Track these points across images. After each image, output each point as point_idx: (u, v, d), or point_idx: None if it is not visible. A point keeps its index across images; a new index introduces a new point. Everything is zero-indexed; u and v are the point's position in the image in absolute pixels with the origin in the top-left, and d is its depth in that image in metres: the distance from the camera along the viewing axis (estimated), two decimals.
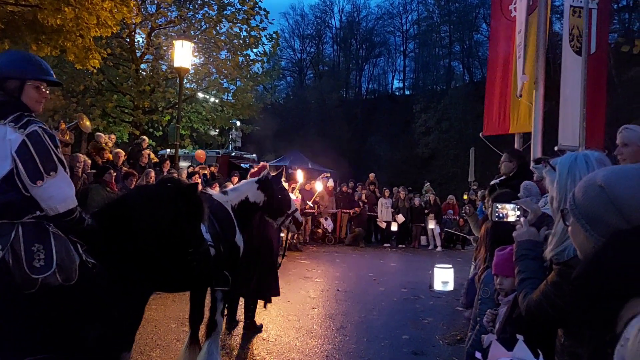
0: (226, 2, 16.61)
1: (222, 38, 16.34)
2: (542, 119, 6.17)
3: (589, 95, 6.15)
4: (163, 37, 16.11)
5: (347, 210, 14.06)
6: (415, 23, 43.03)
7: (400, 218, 14.02)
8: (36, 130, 2.27)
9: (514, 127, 7.80)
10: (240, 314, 5.34)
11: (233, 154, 19.59)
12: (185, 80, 12.93)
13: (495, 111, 8.29)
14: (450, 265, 7.54)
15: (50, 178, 2.26)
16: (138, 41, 16.50)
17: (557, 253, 1.62)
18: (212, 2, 16.40)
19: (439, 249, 13.63)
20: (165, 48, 15.87)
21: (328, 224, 13.69)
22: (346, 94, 43.51)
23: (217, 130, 21.46)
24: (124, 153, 9.62)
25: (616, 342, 0.97)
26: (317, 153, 24.07)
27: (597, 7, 6.92)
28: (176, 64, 10.33)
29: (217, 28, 16.24)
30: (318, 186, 12.72)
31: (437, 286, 7.30)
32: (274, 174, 4.61)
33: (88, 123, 11.63)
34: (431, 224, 13.72)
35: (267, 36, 17.34)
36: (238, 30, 16.43)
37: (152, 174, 8.37)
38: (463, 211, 6.64)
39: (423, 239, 14.36)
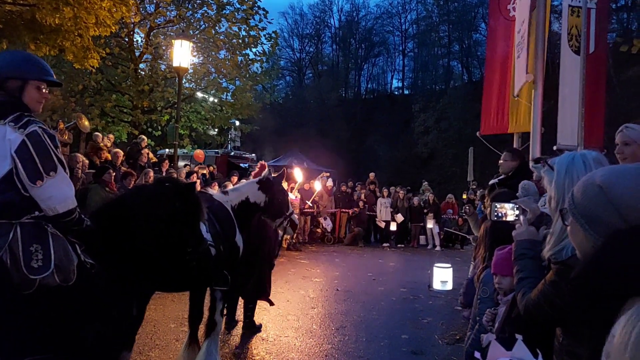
0: (225, 1, 16.60)
1: (221, 37, 16.33)
2: (541, 119, 6.17)
3: (587, 94, 6.15)
4: (162, 37, 16.10)
5: (346, 210, 14.04)
6: (414, 23, 43.09)
7: (400, 218, 14.00)
8: (36, 130, 2.27)
9: (513, 126, 7.81)
10: (240, 313, 5.34)
11: (232, 153, 19.56)
12: (184, 80, 12.93)
13: (493, 111, 8.28)
14: (449, 265, 7.56)
15: (49, 178, 2.25)
16: (137, 41, 16.52)
17: (555, 252, 1.62)
18: (211, 1, 16.38)
19: (437, 248, 13.62)
20: (164, 47, 15.85)
21: (327, 224, 13.67)
22: (345, 93, 43.54)
23: (216, 130, 21.41)
24: (122, 153, 9.63)
25: None
26: (316, 153, 24.07)
27: (595, 7, 6.92)
28: (175, 64, 10.34)
29: (216, 27, 16.24)
30: (317, 186, 12.72)
31: (436, 286, 7.32)
32: (275, 174, 4.61)
33: (87, 123, 11.63)
34: (430, 224, 13.71)
35: (266, 36, 17.37)
36: (237, 30, 16.45)
37: (151, 173, 8.35)
38: (463, 211, 6.65)
39: (422, 238, 14.33)
